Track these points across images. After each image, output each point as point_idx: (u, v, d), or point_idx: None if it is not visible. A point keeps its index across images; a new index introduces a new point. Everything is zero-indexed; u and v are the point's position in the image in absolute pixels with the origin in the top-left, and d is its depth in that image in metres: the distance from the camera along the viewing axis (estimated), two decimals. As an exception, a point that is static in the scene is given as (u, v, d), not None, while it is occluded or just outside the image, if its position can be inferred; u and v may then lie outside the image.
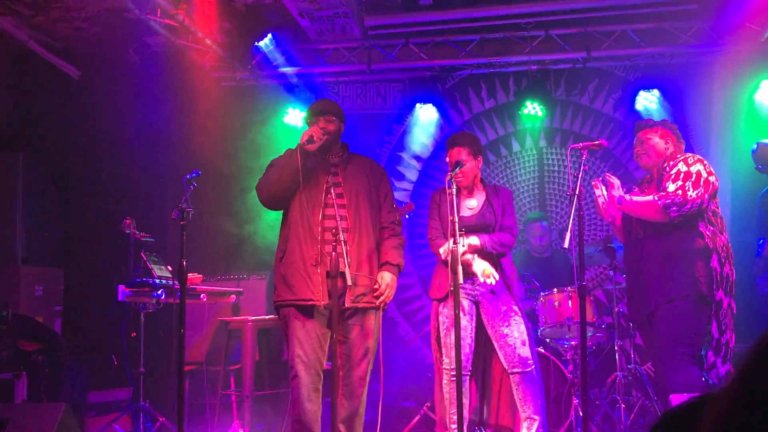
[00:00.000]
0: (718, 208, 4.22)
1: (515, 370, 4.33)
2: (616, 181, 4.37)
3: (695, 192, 4.02)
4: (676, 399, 3.79)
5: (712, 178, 4.10)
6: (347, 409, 4.20)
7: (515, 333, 4.35)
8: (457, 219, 3.89)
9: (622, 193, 4.29)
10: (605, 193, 4.42)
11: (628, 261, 4.50)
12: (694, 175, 4.06)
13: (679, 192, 4.02)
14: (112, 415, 5.57)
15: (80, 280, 6.23)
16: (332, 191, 4.07)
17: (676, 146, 4.32)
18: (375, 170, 4.47)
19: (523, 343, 4.34)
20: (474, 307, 4.51)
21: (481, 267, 4.33)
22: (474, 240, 4.35)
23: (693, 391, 3.86)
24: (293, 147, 4.21)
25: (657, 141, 4.30)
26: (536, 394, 4.36)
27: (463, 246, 4.12)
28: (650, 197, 4.12)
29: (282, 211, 4.37)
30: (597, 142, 4.40)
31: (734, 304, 4.12)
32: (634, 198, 4.22)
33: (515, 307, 4.42)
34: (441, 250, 4.41)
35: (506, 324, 4.37)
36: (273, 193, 4.26)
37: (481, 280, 4.31)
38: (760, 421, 0.74)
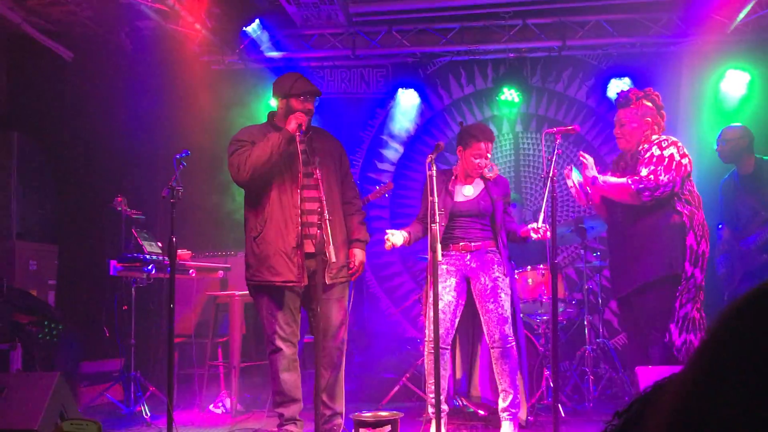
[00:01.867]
0: (694, 187, 4.33)
1: (496, 345, 4.47)
2: (590, 160, 4.48)
3: (666, 176, 4.14)
4: (642, 371, 3.91)
5: (684, 161, 4.21)
6: (327, 378, 4.35)
7: (500, 310, 4.47)
8: (436, 200, 3.92)
9: (596, 173, 4.40)
10: (578, 179, 4.58)
11: (611, 240, 4.63)
12: (667, 159, 4.17)
13: (651, 177, 4.14)
14: (104, 385, 5.71)
15: (73, 255, 6.32)
16: (311, 172, 4.14)
17: (656, 122, 4.41)
18: (336, 145, 4.58)
19: (506, 321, 4.47)
20: (465, 283, 4.64)
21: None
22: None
23: (668, 363, 4.09)
24: (270, 124, 4.34)
25: (635, 126, 4.40)
26: (513, 370, 4.49)
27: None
28: (624, 180, 4.23)
29: (245, 190, 4.47)
30: (570, 127, 4.49)
31: (700, 278, 4.27)
32: (608, 179, 4.33)
33: (504, 284, 4.54)
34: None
35: (492, 300, 4.49)
36: (256, 174, 4.25)
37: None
38: (713, 404, 0.72)
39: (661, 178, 4.14)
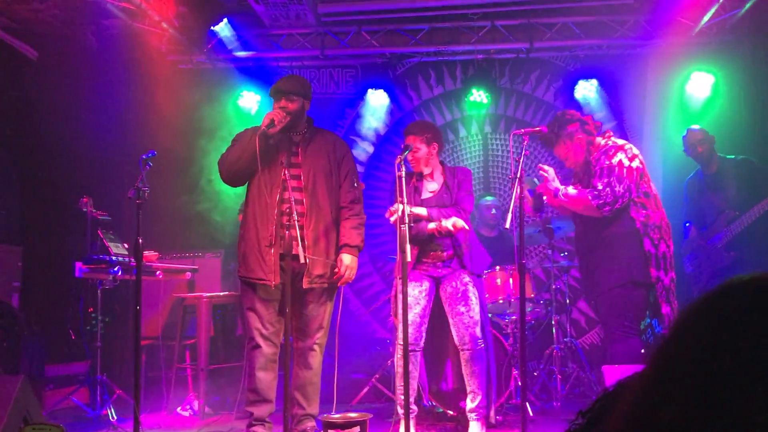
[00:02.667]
0: (649, 187, 4.37)
1: (465, 348, 4.52)
2: (551, 172, 4.51)
3: (621, 186, 4.20)
4: (608, 370, 3.93)
5: (635, 163, 4.25)
6: (301, 378, 4.38)
7: (471, 313, 4.53)
8: (405, 200, 3.96)
9: (558, 185, 4.43)
10: (532, 187, 4.61)
11: (577, 250, 4.71)
12: (617, 168, 4.22)
13: (608, 190, 4.20)
14: (70, 388, 5.62)
15: (38, 257, 6.23)
16: (287, 173, 4.11)
17: (585, 135, 4.46)
18: (338, 147, 4.54)
19: (476, 324, 4.52)
20: (434, 285, 4.69)
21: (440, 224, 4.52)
22: (421, 210, 4.53)
23: (631, 361, 4.10)
24: (258, 125, 4.26)
25: (573, 152, 4.49)
26: (482, 372, 4.55)
27: (410, 212, 4.22)
28: (585, 193, 4.28)
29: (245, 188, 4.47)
30: (538, 129, 4.52)
31: (674, 277, 4.33)
32: (570, 192, 4.37)
33: (473, 288, 4.59)
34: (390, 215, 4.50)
35: (463, 303, 4.55)
36: (232, 173, 4.34)
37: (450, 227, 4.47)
38: (666, 403, 0.73)
39: (617, 189, 4.19)
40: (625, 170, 4.22)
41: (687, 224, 5.84)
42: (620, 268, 4.24)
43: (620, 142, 4.39)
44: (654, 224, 4.27)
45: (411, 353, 4.48)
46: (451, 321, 4.60)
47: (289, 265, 3.95)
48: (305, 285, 4.24)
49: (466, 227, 4.52)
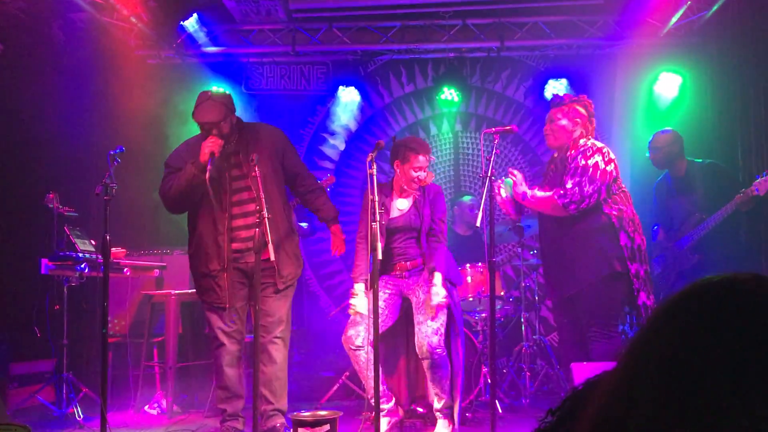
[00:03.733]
0: (622, 185, 4.39)
1: (425, 357, 4.53)
2: (519, 176, 4.53)
3: (591, 187, 4.19)
4: (576, 368, 3.89)
5: (610, 167, 4.26)
6: (267, 374, 4.41)
7: (429, 322, 4.53)
8: (377, 198, 3.96)
9: (526, 189, 4.45)
10: (508, 193, 4.60)
11: (543, 245, 4.69)
12: (591, 169, 4.22)
13: (576, 189, 4.19)
14: (35, 386, 5.52)
15: (2, 253, 6.13)
16: (231, 187, 4.31)
17: (585, 127, 4.45)
18: (276, 140, 4.56)
19: (435, 333, 4.51)
20: (400, 299, 4.75)
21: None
22: (439, 280, 4.55)
23: (611, 359, 4.16)
24: (193, 158, 4.31)
25: (565, 123, 4.42)
26: (444, 377, 4.58)
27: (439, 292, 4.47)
28: (550, 194, 4.29)
29: None
30: (508, 127, 4.53)
31: (648, 269, 4.34)
32: (536, 194, 4.38)
33: (438, 299, 4.56)
34: (351, 301, 4.68)
35: (425, 313, 4.56)
36: (177, 207, 4.51)
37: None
38: (637, 404, 0.73)
39: (585, 189, 4.19)
40: (599, 172, 4.23)
41: (655, 227, 5.89)
42: (599, 261, 4.23)
43: (599, 144, 4.39)
44: (628, 217, 4.29)
45: (358, 350, 4.57)
46: (415, 329, 4.63)
47: (257, 266, 3.95)
48: (281, 286, 4.38)
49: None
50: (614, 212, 4.26)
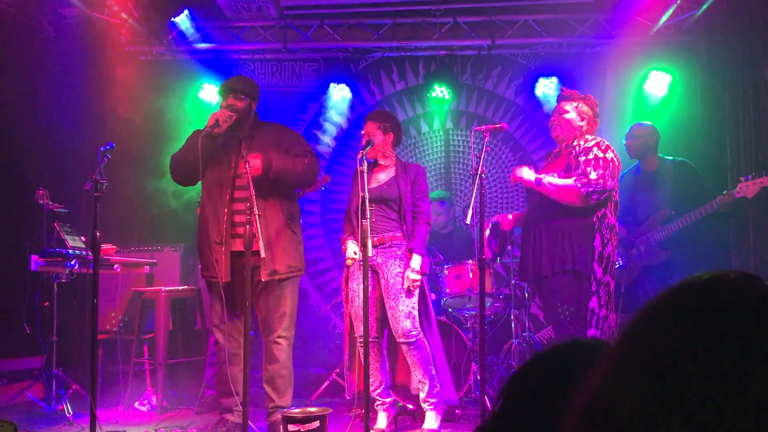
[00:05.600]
0: (615, 192, 4.40)
1: (401, 340, 4.55)
2: (524, 169, 4.44)
3: (612, 182, 4.20)
4: None
5: (619, 166, 4.32)
6: (269, 372, 4.48)
7: (400, 307, 4.53)
8: (367, 195, 4.01)
9: (537, 175, 4.38)
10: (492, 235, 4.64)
11: (525, 225, 4.63)
12: (610, 163, 4.21)
13: (601, 181, 4.16)
14: (25, 383, 5.55)
15: (-9, 250, 6.14)
16: (235, 172, 4.29)
17: (590, 125, 4.46)
18: (284, 137, 4.60)
19: (408, 316, 4.52)
20: (375, 274, 4.69)
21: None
22: (417, 262, 4.55)
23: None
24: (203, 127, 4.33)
25: (573, 116, 4.43)
26: (425, 360, 4.57)
27: (413, 272, 4.49)
28: (571, 181, 4.23)
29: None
30: (499, 125, 4.57)
31: (613, 284, 4.31)
32: (554, 181, 4.30)
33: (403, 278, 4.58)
34: (347, 253, 4.68)
35: (393, 297, 4.56)
36: (177, 173, 4.54)
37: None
38: (623, 400, 0.73)
39: (608, 183, 4.18)
40: (615, 169, 4.25)
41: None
42: (568, 256, 4.23)
43: (606, 142, 4.39)
44: (608, 225, 4.28)
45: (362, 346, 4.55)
46: (388, 314, 4.64)
47: (247, 261, 3.98)
48: (264, 278, 4.33)
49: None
50: (598, 213, 4.26)
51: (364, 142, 4.63)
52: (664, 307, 0.78)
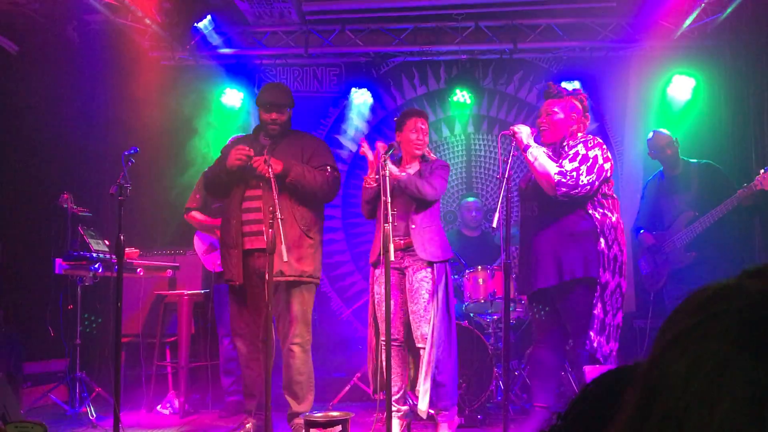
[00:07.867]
0: (609, 190, 4.29)
1: (419, 345, 4.49)
2: (525, 130, 4.28)
3: (587, 178, 4.08)
4: (590, 371, 3.87)
5: (607, 165, 4.17)
6: (286, 378, 4.51)
7: (420, 311, 4.47)
8: (389, 199, 3.94)
9: (530, 143, 4.22)
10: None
11: (523, 235, 4.57)
12: (591, 160, 4.11)
13: (574, 174, 4.06)
14: (49, 386, 5.59)
15: (17, 253, 6.18)
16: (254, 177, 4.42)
17: (580, 122, 4.34)
18: (307, 145, 4.65)
19: (427, 321, 4.45)
20: (400, 276, 4.63)
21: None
22: (396, 170, 4.45)
23: (600, 362, 4.09)
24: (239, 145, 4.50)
25: (563, 116, 4.31)
26: (442, 365, 4.49)
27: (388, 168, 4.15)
28: (552, 166, 4.12)
29: None
30: None
31: (624, 283, 4.21)
32: (539, 157, 4.17)
33: (428, 283, 4.51)
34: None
35: (414, 301, 4.50)
36: (213, 191, 4.79)
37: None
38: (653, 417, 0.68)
39: (582, 178, 4.07)
40: (597, 167, 4.13)
41: (641, 231, 5.88)
42: (576, 263, 4.16)
43: (599, 139, 4.30)
44: (610, 225, 4.20)
45: (400, 346, 4.58)
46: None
47: (271, 263, 3.98)
48: (276, 278, 4.31)
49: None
50: (597, 215, 4.19)
51: (386, 146, 4.58)
52: (700, 324, 0.74)
